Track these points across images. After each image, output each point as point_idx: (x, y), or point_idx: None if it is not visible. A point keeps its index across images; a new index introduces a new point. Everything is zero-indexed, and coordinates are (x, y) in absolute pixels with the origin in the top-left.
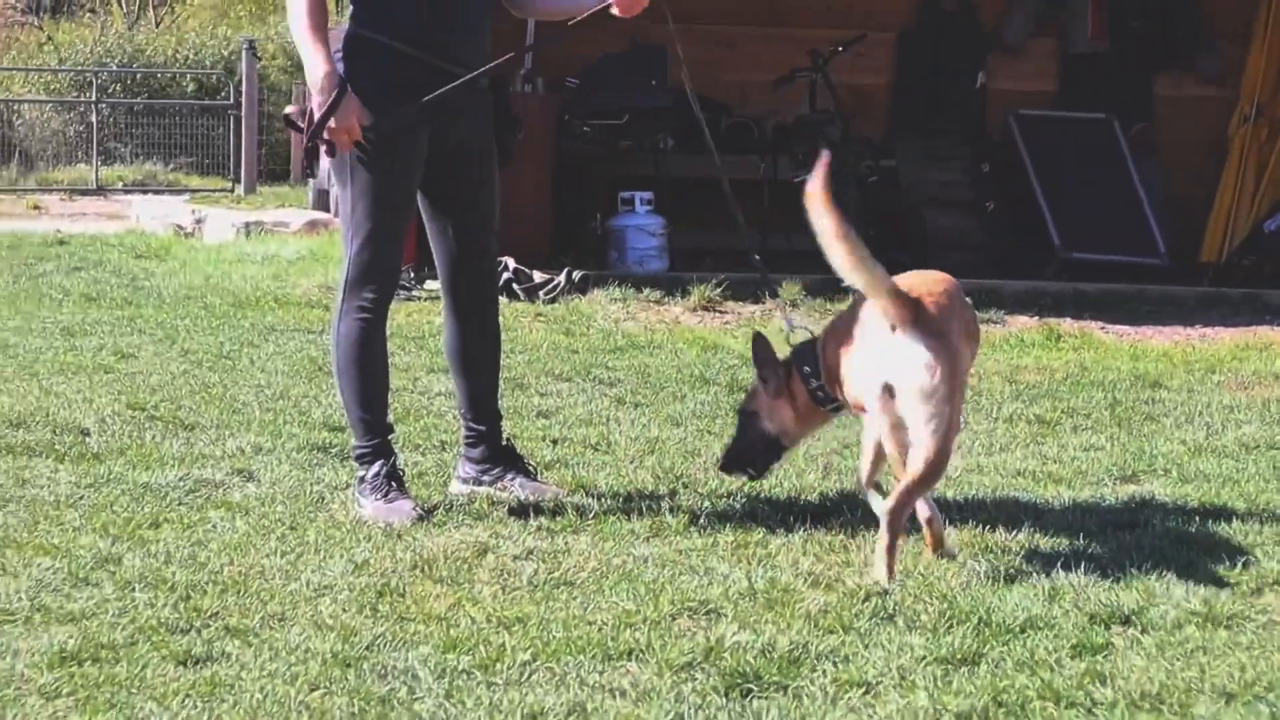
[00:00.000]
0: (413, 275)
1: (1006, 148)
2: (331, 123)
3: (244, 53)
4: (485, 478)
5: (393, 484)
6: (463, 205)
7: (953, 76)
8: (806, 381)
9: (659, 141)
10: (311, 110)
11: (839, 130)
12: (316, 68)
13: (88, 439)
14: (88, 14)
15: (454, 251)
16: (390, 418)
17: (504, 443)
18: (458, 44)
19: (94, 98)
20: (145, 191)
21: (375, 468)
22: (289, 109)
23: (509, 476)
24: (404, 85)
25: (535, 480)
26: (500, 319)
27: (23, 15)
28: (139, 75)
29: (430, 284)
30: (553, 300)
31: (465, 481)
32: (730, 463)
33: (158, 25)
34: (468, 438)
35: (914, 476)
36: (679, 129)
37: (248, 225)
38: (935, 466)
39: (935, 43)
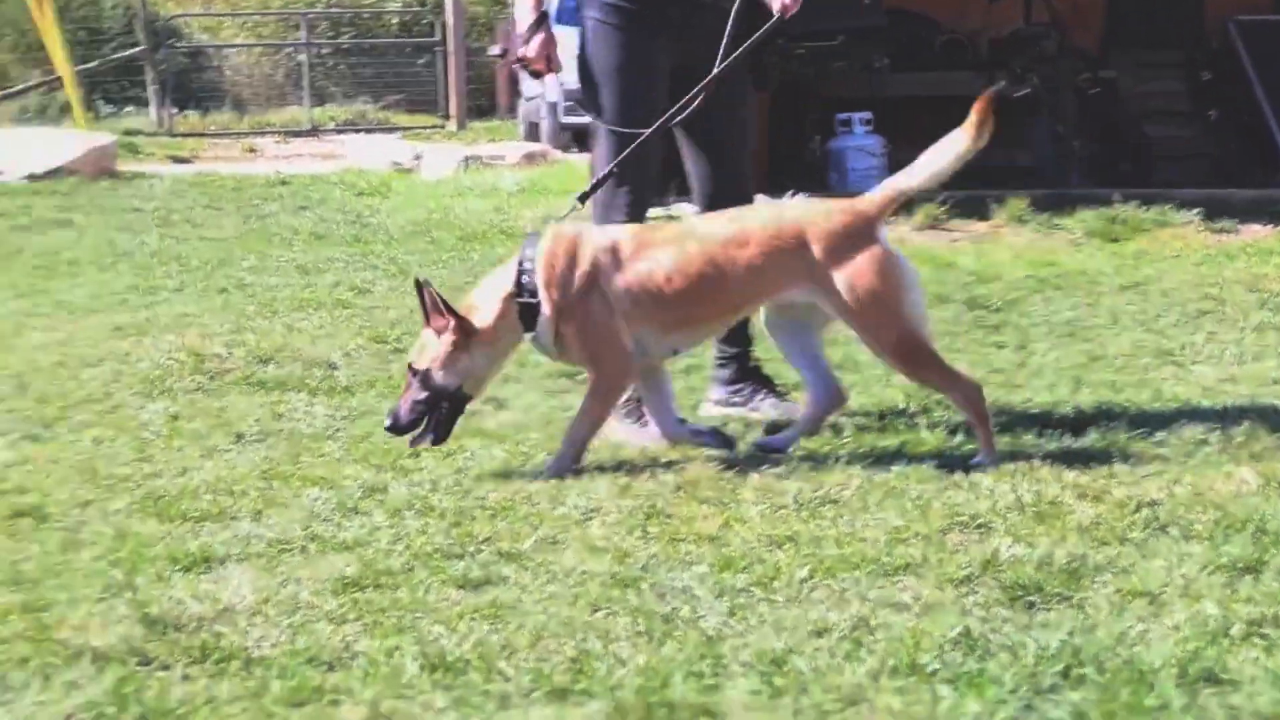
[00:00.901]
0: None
1: (1226, 55)
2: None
3: None
4: (735, 399)
5: (639, 408)
6: (716, 132)
7: None
8: None
9: (873, 61)
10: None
11: (1055, 43)
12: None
13: (336, 373)
14: None
15: (709, 176)
16: None
17: (752, 365)
18: None
19: (303, 39)
20: (356, 131)
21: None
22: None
23: (759, 397)
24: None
25: (785, 400)
26: None
27: None
28: (344, 15)
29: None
30: None
31: (717, 404)
32: None
33: None
34: (718, 361)
35: None
36: (894, 47)
37: (466, 160)
38: None
39: None
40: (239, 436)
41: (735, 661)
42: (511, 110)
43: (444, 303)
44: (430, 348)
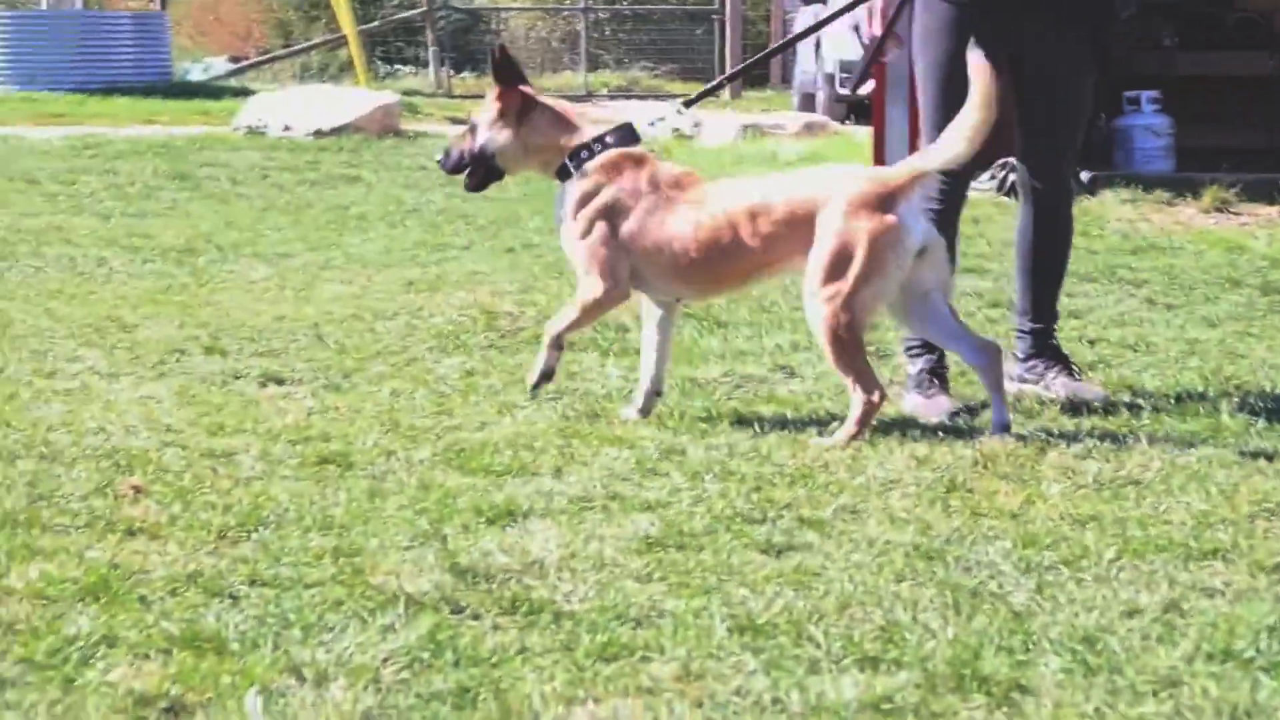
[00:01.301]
0: None
1: None
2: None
3: None
4: (1029, 375)
5: (934, 380)
6: (1036, 112)
7: None
8: None
9: (1163, 38)
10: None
11: None
12: None
13: (627, 335)
14: None
15: (1028, 152)
16: None
17: (1052, 341)
18: None
19: (581, 4)
20: (629, 97)
21: (920, 364)
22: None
23: (1051, 374)
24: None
25: (1078, 379)
26: (1072, 224)
27: None
28: None
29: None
30: None
31: (1011, 379)
32: None
33: None
34: (1019, 333)
35: None
36: (1183, 25)
37: (745, 128)
38: None
39: None
40: (535, 394)
41: (1045, 638)
42: (785, 80)
43: (509, 74)
44: (487, 108)
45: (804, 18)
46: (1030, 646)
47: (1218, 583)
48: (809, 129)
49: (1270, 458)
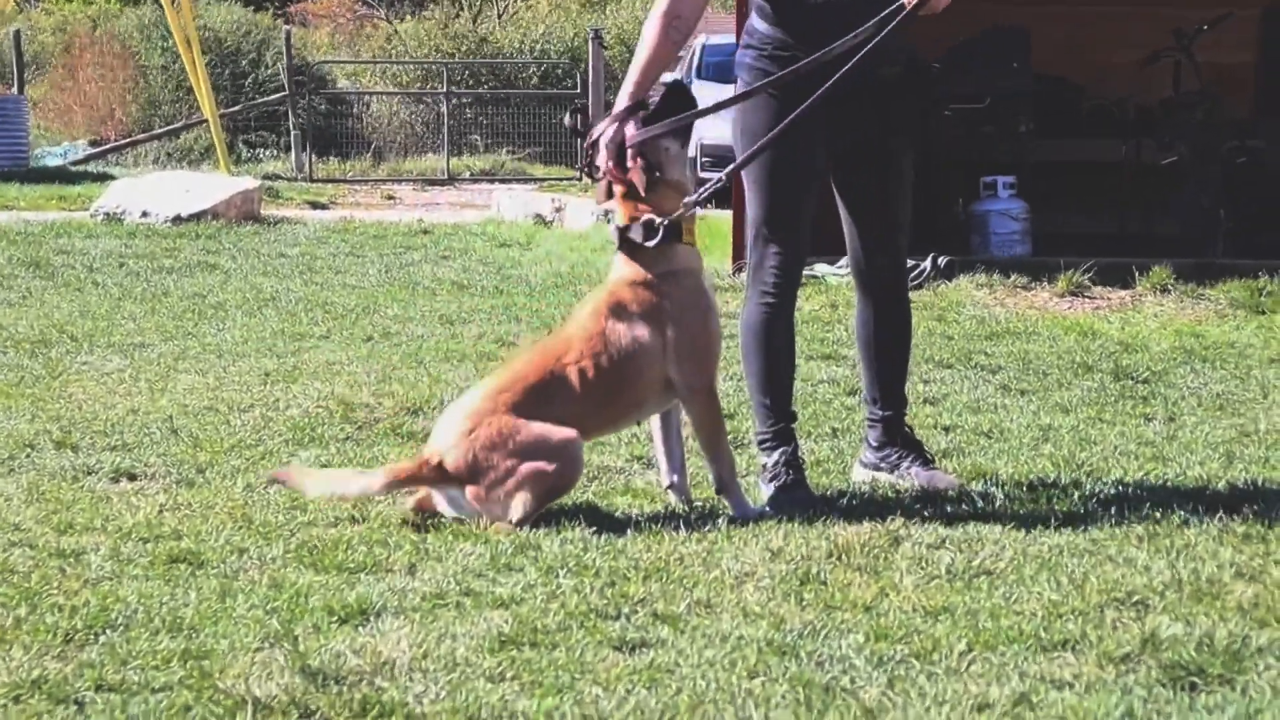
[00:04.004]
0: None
1: None
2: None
3: (590, 42)
4: (883, 464)
5: (791, 472)
6: (870, 197)
7: None
8: None
9: (1019, 125)
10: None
11: (1204, 111)
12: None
13: None
14: (433, 6)
15: (863, 241)
16: (793, 405)
17: (905, 429)
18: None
19: (444, 89)
20: (492, 180)
21: (775, 455)
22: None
23: (905, 463)
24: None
25: (932, 468)
26: (910, 309)
27: (367, 8)
28: (485, 67)
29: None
30: (918, 286)
31: (865, 467)
32: None
33: (500, 17)
34: (870, 422)
35: None
36: (1039, 113)
37: (608, 213)
38: None
39: None
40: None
41: None
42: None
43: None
44: None
45: None
46: None
47: (1067, 674)
48: None
49: (1121, 546)
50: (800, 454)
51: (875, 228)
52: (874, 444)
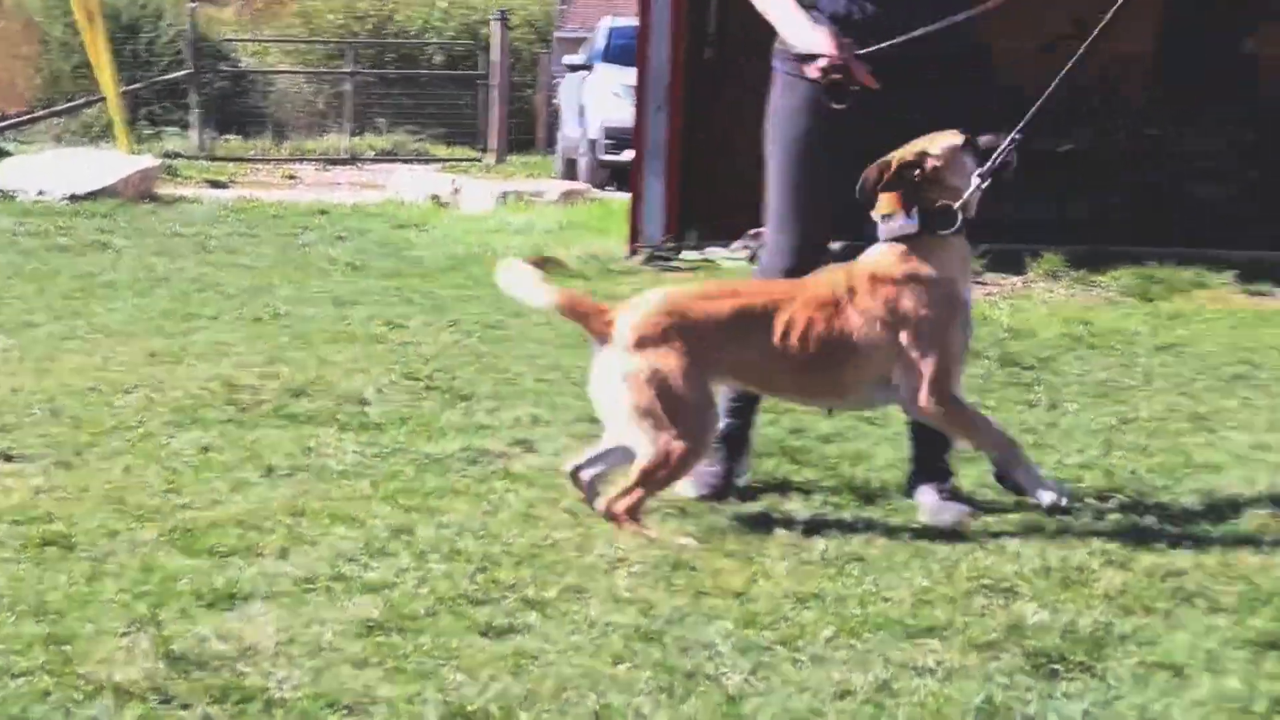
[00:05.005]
0: (671, 246)
1: (1273, 116)
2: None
3: (495, 24)
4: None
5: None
6: None
7: (1220, 43)
8: None
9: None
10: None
11: (1101, 99)
12: (806, 31)
13: (368, 409)
14: None
15: None
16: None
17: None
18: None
19: (348, 68)
20: (395, 161)
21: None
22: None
23: (922, 490)
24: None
25: (944, 499)
26: None
27: None
28: (389, 45)
29: (689, 254)
30: None
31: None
32: None
33: None
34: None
35: None
36: None
37: (504, 195)
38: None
39: (1202, 7)
40: (269, 470)
41: None
42: (550, 146)
43: None
44: None
45: (569, 85)
46: None
47: (931, 661)
48: (567, 196)
49: (995, 534)
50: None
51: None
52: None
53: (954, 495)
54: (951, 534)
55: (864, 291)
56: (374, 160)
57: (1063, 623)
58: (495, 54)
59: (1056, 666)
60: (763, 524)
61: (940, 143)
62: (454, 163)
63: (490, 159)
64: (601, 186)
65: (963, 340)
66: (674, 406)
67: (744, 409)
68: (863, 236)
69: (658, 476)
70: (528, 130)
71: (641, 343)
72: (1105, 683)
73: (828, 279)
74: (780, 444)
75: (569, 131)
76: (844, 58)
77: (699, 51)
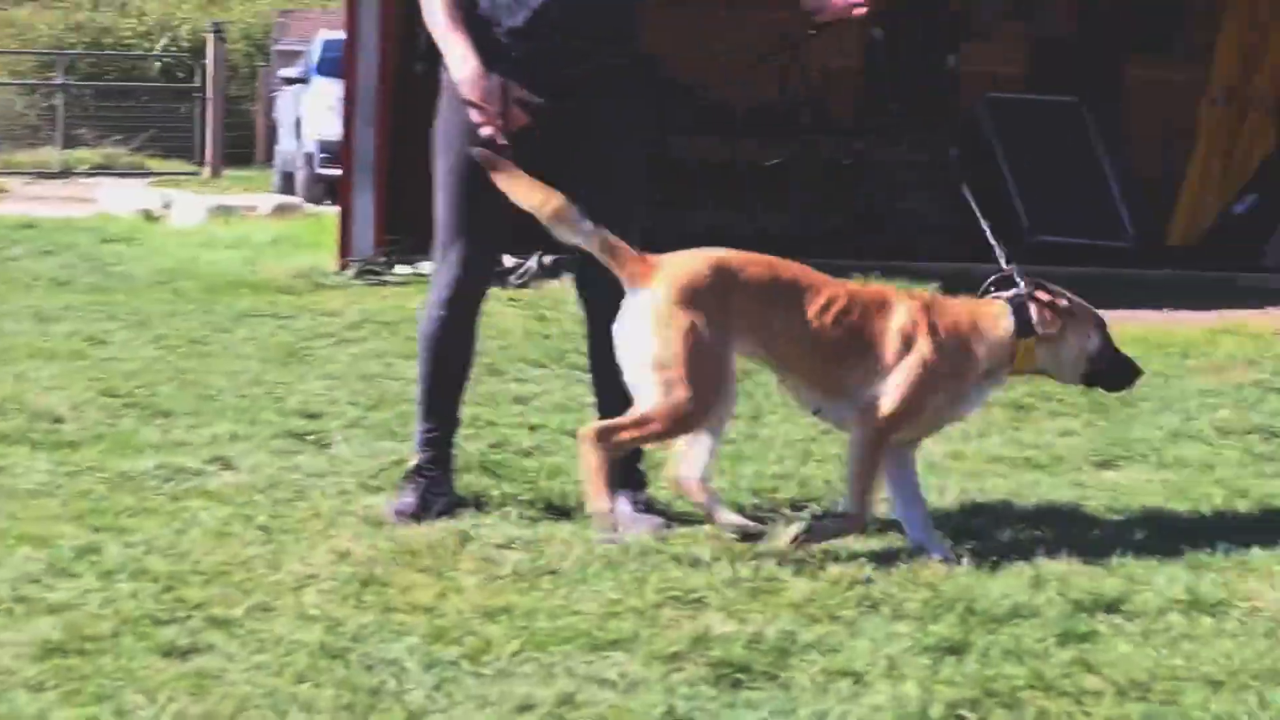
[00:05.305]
0: (382, 259)
1: (976, 131)
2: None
3: (211, 36)
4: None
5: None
6: (591, 210)
7: (924, 60)
8: None
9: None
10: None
11: (810, 113)
12: (459, 65)
13: (62, 426)
14: None
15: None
16: (459, 414)
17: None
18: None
19: (60, 80)
20: (109, 174)
21: (422, 458)
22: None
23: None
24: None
25: (637, 511)
26: None
27: None
28: (104, 58)
29: (400, 268)
30: (523, 285)
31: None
32: None
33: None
34: None
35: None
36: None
37: (217, 209)
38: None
39: (907, 26)
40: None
41: None
42: (269, 160)
43: None
44: None
45: (286, 98)
46: None
47: (614, 674)
48: (281, 210)
49: (688, 545)
50: (452, 467)
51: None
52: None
53: (648, 507)
54: (644, 547)
55: (915, 309)
56: (88, 174)
57: (749, 633)
58: (210, 66)
59: (740, 676)
60: (458, 540)
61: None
62: (169, 176)
63: (206, 173)
64: (319, 201)
65: (942, 415)
66: (698, 367)
67: (441, 439)
68: (562, 249)
69: (652, 429)
70: (247, 144)
71: (683, 296)
72: (787, 691)
73: (888, 287)
74: (480, 459)
75: (286, 145)
76: (489, 111)
77: (410, 65)
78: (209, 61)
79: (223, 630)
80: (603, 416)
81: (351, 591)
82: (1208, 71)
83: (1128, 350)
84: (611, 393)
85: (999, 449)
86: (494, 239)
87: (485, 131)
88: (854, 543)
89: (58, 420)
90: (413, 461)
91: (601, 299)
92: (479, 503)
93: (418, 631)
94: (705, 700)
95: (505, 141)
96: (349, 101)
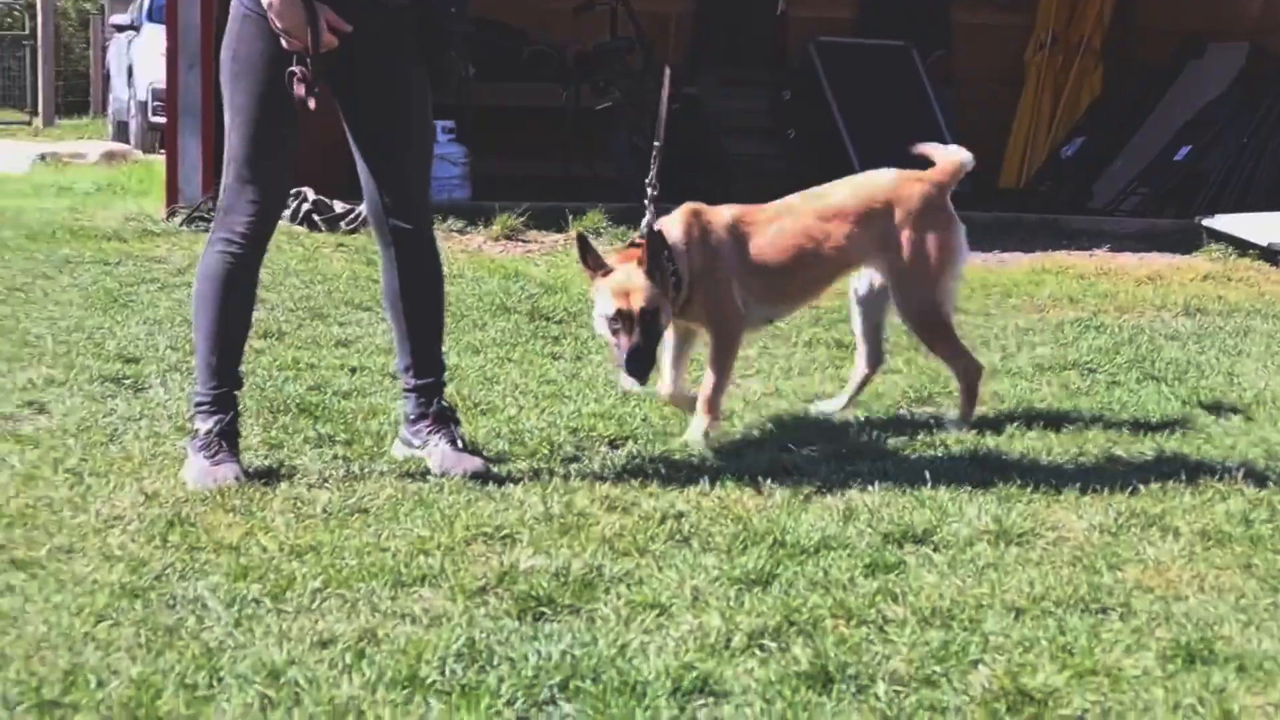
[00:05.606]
0: (210, 205)
1: (807, 75)
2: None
3: None
4: (415, 440)
5: (223, 444)
6: (375, 136)
7: (754, 3)
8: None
9: (460, 69)
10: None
11: (640, 58)
12: None
13: None
14: None
15: (377, 189)
16: (241, 368)
17: (441, 403)
18: None
19: None
20: None
21: (210, 424)
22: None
23: (434, 440)
24: None
25: (459, 449)
26: (441, 264)
27: None
28: None
29: None
30: (353, 230)
31: (403, 444)
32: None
33: None
34: (405, 394)
35: None
36: (480, 56)
37: (43, 156)
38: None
39: None
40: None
41: (232, 674)
42: (105, 109)
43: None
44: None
45: (118, 45)
46: (215, 683)
47: (418, 609)
48: (109, 158)
49: (500, 482)
50: (238, 425)
51: (385, 174)
52: (410, 417)
53: (467, 446)
54: (457, 484)
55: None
56: None
57: (555, 567)
58: (40, 14)
59: (544, 609)
60: (269, 480)
61: None
62: (2, 125)
63: (39, 122)
64: (152, 149)
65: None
66: None
67: (232, 399)
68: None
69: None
70: (83, 93)
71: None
72: (591, 623)
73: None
74: (298, 401)
75: (119, 93)
76: (299, 35)
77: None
78: (39, 9)
79: (23, 571)
80: (413, 369)
81: (157, 532)
82: (1034, 15)
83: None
84: (416, 342)
85: (819, 387)
86: (289, 173)
87: (293, 46)
88: (669, 476)
89: None
90: (203, 426)
91: (398, 238)
92: (294, 444)
93: (221, 570)
94: (508, 633)
95: (310, 67)
96: (172, 46)
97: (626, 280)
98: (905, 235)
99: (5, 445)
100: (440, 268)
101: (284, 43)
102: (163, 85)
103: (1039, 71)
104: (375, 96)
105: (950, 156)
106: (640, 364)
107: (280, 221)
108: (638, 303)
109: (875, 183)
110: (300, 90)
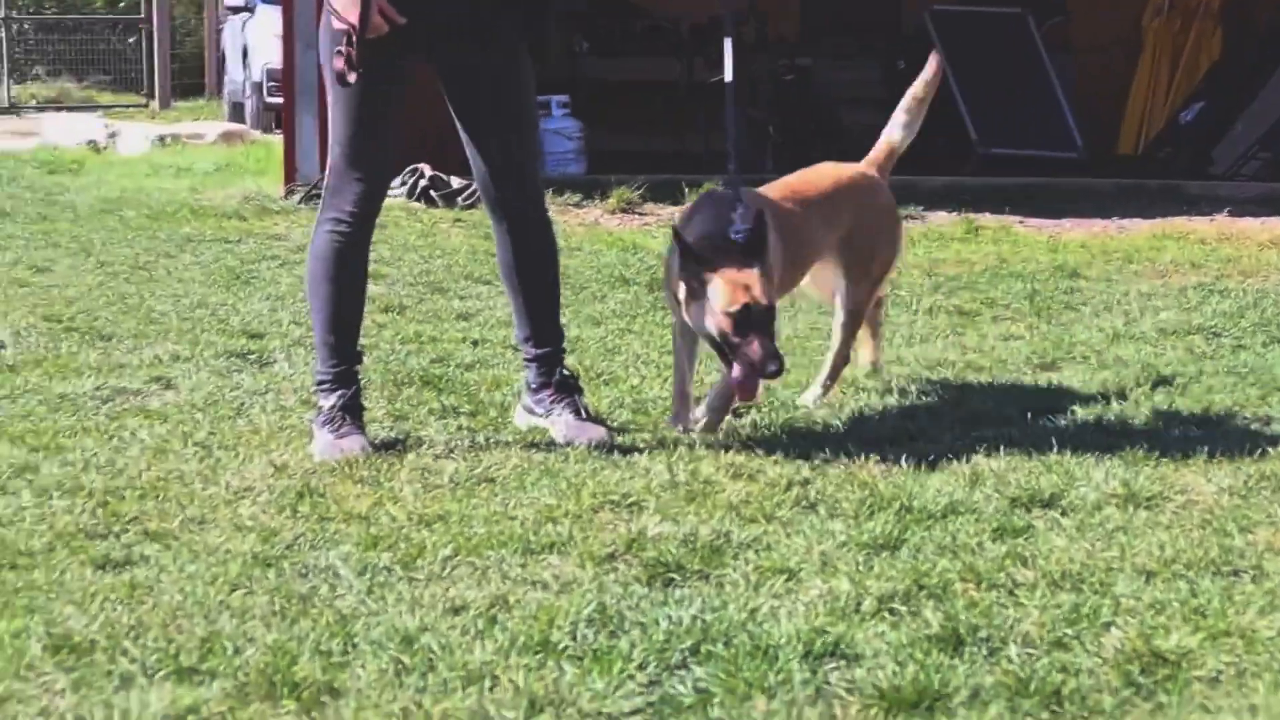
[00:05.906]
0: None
1: (922, 44)
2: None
3: None
4: (538, 409)
5: (347, 418)
6: (484, 118)
7: None
8: None
9: (574, 44)
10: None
11: (753, 31)
12: None
13: (3, 352)
14: None
15: (487, 167)
16: (360, 345)
17: (563, 372)
18: None
19: (2, 13)
20: (59, 109)
21: (333, 399)
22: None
23: (558, 410)
24: None
25: (583, 419)
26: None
27: None
28: None
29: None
30: (470, 205)
31: (526, 412)
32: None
33: None
34: (526, 363)
35: None
36: (594, 31)
37: (162, 138)
38: None
39: None
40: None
41: (365, 640)
42: (220, 90)
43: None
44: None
45: (232, 27)
46: (349, 649)
47: (548, 576)
48: (227, 138)
49: (626, 451)
50: (361, 400)
51: (491, 152)
52: (532, 386)
53: (591, 415)
54: (582, 453)
55: None
56: (37, 109)
57: (683, 533)
58: None
59: (673, 575)
60: (396, 450)
61: None
62: (119, 109)
63: (155, 104)
64: (268, 129)
65: None
66: None
67: (351, 374)
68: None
69: None
70: (197, 75)
71: None
72: (720, 588)
73: None
74: (422, 374)
75: (234, 75)
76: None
77: None
78: None
79: (157, 543)
80: (533, 339)
81: (287, 503)
82: None
83: (1072, 257)
84: (534, 312)
85: (941, 353)
86: (394, 152)
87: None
88: (794, 443)
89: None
90: (326, 402)
91: (511, 212)
92: (420, 415)
93: (352, 539)
94: (638, 598)
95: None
96: (288, 26)
97: (741, 275)
98: (852, 229)
99: (135, 420)
100: (554, 241)
101: (333, 21)
102: (277, 66)
103: (1156, 36)
104: (474, 78)
105: (881, 140)
106: (780, 365)
107: (398, 198)
108: (763, 296)
109: (822, 175)
110: (339, 64)
